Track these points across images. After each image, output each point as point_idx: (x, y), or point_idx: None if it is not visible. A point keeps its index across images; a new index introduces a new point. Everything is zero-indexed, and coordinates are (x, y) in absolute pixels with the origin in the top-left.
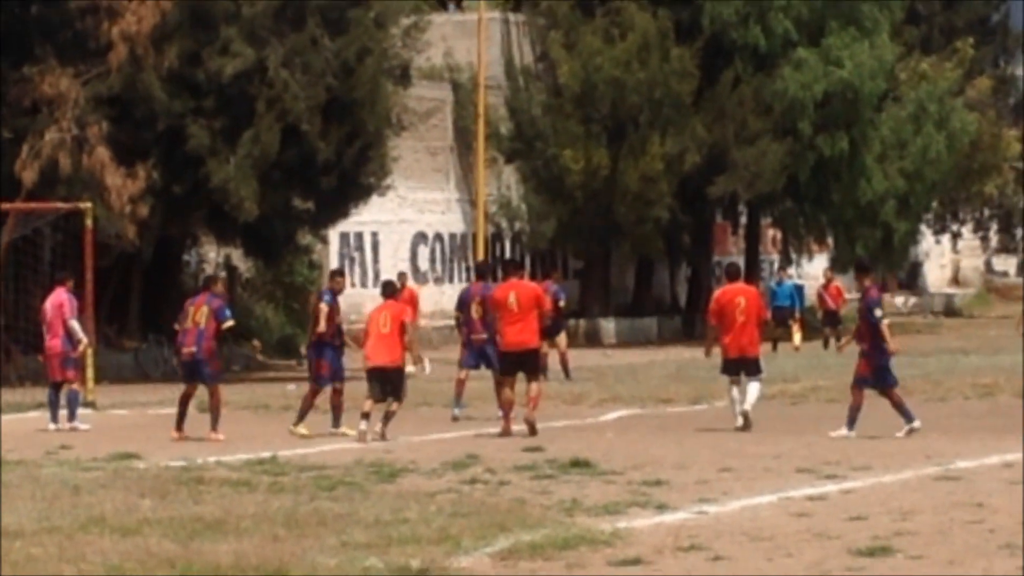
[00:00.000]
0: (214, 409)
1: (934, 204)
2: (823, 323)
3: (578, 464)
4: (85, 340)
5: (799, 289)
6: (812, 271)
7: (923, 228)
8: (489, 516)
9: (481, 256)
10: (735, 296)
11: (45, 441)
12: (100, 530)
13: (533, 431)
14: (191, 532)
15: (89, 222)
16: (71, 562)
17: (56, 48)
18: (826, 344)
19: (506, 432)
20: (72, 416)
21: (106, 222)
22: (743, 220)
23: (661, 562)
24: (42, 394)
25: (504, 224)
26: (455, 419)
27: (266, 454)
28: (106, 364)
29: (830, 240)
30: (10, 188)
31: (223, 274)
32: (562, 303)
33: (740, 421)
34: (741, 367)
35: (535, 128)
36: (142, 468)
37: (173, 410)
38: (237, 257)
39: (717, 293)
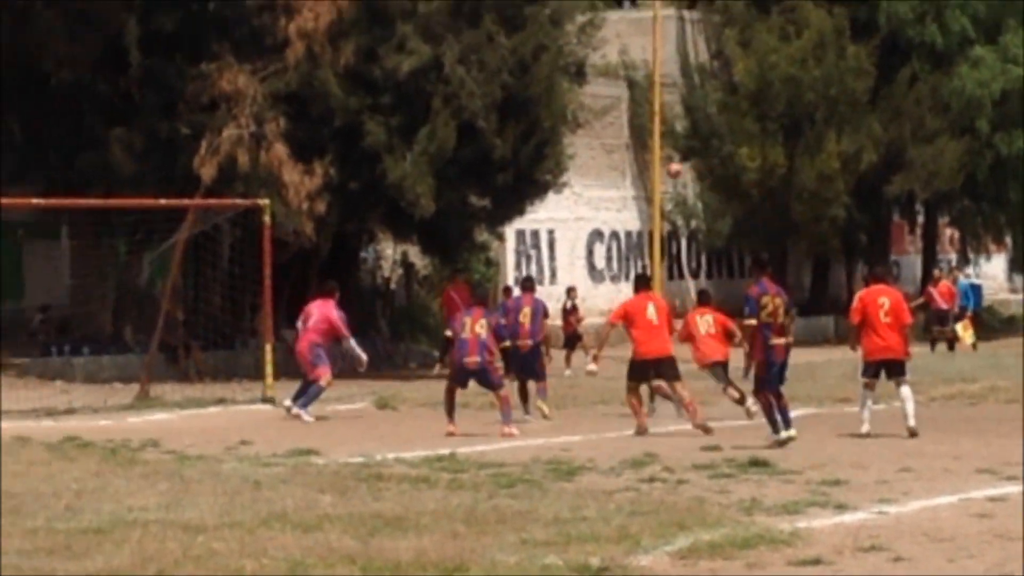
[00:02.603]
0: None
1: None
2: (932, 322)
3: (757, 463)
4: (364, 358)
5: (976, 288)
6: (990, 271)
7: None
8: (668, 515)
9: (657, 255)
10: (878, 297)
11: (225, 437)
12: (281, 525)
13: (708, 431)
14: (371, 528)
15: (267, 219)
16: (252, 557)
17: (233, 45)
18: (933, 345)
19: (642, 429)
20: (305, 404)
21: (284, 218)
22: (920, 219)
23: (841, 562)
24: (221, 390)
25: (680, 222)
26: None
27: (445, 451)
28: (283, 360)
29: (1008, 240)
30: (189, 184)
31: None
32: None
33: (911, 422)
34: (883, 369)
35: (710, 126)
36: (321, 464)
37: (348, 406)
38: (414, 254)
39: (861, 293)
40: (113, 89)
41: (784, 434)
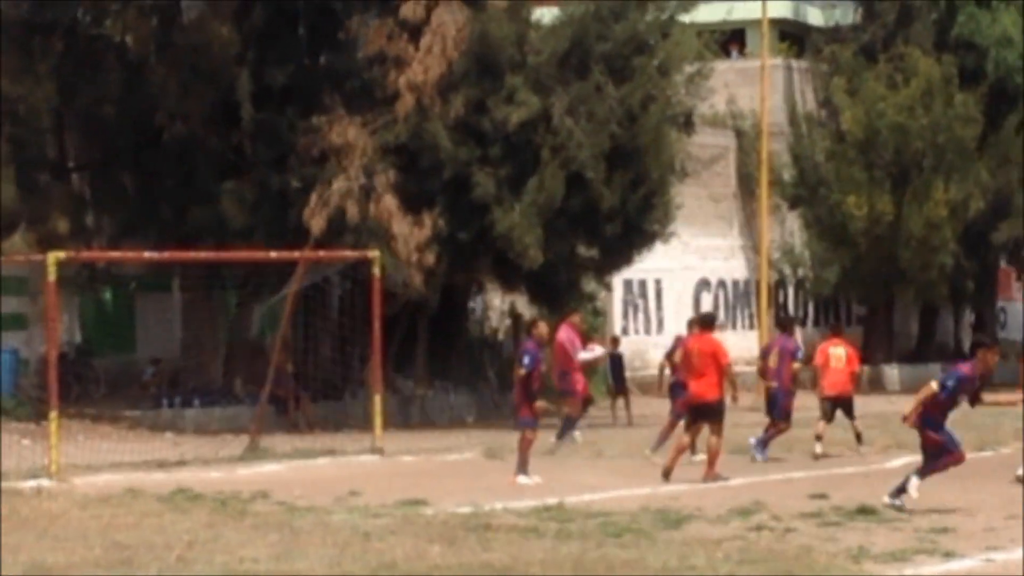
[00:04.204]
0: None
1: None
2: None
3: (864, 511)
4: None
5: None
6: None
7: None
8: (776, 563)
9: (764, 303)
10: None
11: (334, 488)
12: None
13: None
14: None
15: (376, 270)
16: None
17: (344, 98)
18: None
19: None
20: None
21: (393, 270)
22: None
23: None
24: (331, 440)
25: (787, 271)
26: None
27: (552, 500)
28: (393, 411)
29: None
30: (299, 237)
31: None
32: None
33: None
34: None
35: (818, 174)
36: (430, 514)
37: (456, 456)
38: (522, 304)
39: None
40: (225, 143)
41: None
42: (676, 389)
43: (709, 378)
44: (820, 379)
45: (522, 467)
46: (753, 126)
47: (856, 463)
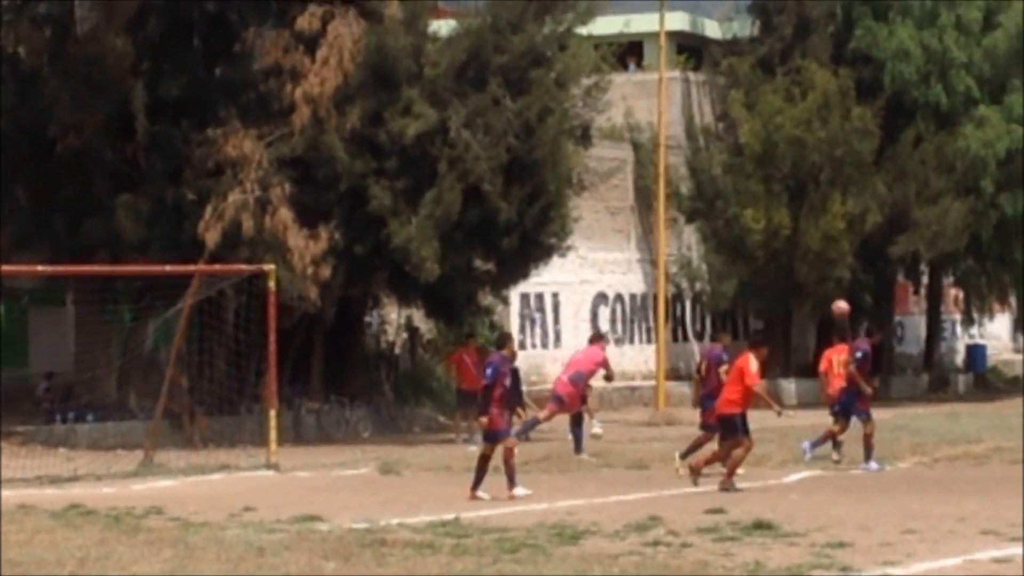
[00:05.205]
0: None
1: None
2: None
3: (761, 526)
4: None
5: (980, 349)
6: (994, 331)
7: None
8: None
9: (662, 317)
10: None
11: (228, 503)
12: None
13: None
14: None
15: (272, 284)
16: None
17: (239, 110)
18: None
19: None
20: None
21: (288, 283)
22: (925, 279)
23: None
24: (225, 456)
25: (685, 284)
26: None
27: (449, 516)
28: (288, 426)
29: (1012, 300)
30: (194, 250)
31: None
32: None
33: None
34: None
35: (715, 187)
36: (325, 530)
37: (352, 471)
38: (418, 318)
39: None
40: (119, 155)
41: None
42: (705, 401)
43: (730, 391)
44: (826, 385)
45: (511, 479)
46: (650, 139)
47: (754, 478)
